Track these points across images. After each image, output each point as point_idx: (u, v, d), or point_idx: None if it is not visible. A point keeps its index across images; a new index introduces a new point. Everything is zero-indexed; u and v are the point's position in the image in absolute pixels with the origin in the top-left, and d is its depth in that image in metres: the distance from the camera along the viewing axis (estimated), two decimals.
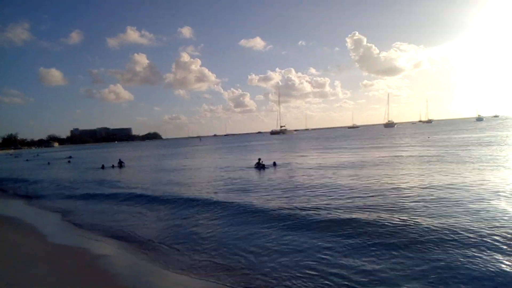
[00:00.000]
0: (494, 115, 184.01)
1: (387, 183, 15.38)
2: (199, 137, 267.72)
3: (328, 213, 10.59)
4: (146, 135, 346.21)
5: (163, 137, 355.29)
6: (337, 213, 10.51)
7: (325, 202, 12.33)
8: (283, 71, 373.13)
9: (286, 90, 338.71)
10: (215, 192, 16.00)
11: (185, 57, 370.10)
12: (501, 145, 30.94)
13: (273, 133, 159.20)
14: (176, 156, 50.26)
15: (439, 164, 20.82)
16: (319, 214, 10.54)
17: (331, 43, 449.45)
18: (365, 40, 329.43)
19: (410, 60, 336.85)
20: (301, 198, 13.41)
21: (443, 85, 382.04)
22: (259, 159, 25.74)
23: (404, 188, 13.78)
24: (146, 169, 31.46)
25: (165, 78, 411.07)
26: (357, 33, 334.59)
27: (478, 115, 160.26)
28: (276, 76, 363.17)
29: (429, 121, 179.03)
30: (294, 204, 12.19)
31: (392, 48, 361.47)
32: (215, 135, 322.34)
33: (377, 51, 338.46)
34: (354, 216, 10.00)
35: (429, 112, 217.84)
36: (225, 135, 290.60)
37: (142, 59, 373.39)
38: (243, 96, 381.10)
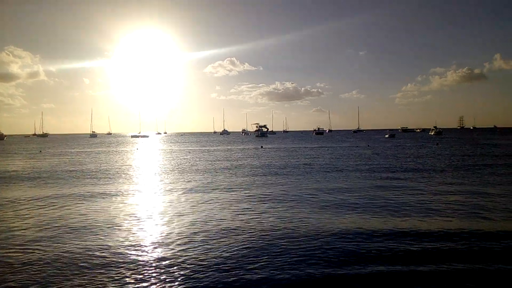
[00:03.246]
0: (108, 132, 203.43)
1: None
2: None
3: None
4: None
5: None
6: None
7: None
8: None
9: None
10: None
11: None
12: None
13: None
14: None
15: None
16: None
17: None
18: None
19: (26, 67, 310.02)
20: None
21: (61, 100, 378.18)
22: None
23: None
24: None
25: None
26: None
27: (92, 132, 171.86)
28: None
29: (45, 135, 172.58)
30: None
31: (4, 51, 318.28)
32: None
33: None
34: None
35: (45, 126, 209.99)
36: None
37: None
38: None
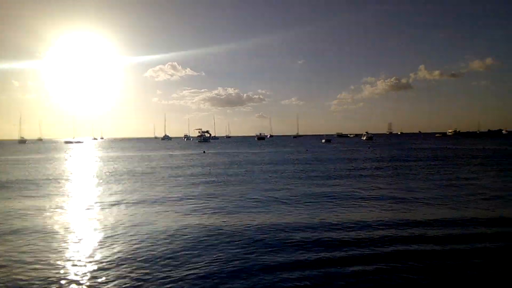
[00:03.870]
0: (38, 138, 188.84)
1: None
2: None
3: None
4: None
5: None
6: None
7: None
8: None
9: None
10: None
11: None
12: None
13: None
14: None
15: None
16: None
17: None
18: None
19: None
20: None
21: None
22: None
23: None
24: None
25: None
26: None
27: (21, 137, 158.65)
28: None
29: None
30: None
31: None
32: None
33: None
34: None
35: None
36: None
37: None
38: None
